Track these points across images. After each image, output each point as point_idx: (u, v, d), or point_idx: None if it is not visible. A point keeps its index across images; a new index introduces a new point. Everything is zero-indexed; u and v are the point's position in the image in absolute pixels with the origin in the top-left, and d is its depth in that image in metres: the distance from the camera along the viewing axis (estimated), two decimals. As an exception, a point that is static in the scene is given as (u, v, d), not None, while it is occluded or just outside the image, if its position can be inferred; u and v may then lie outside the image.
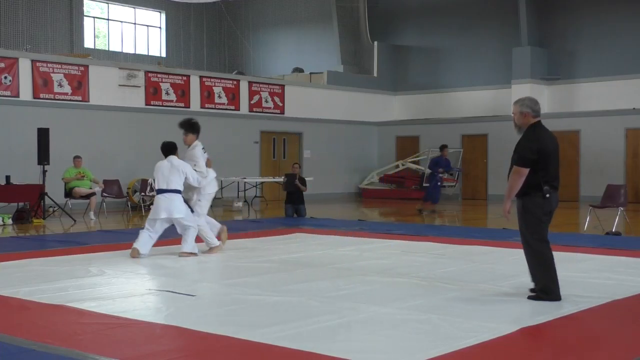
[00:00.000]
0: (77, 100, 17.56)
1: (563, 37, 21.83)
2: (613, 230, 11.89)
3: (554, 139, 6.21)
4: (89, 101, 17.77)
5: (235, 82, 20.94)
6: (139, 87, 18.70)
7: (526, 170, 5.96)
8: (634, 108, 20.05)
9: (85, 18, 24.48)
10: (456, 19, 23.65)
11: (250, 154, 21.12)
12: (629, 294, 6.49)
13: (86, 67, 17.82)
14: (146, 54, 26.00)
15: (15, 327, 5.23)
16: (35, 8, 22.65)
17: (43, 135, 14.80)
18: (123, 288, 6.92)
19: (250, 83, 21.31)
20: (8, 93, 16.44)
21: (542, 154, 5.99)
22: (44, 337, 4.91)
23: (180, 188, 9.09)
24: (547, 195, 6.01)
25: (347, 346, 4.70)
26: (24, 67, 16.76)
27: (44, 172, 14.68)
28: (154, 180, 9.36)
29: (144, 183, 17.25)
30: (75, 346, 4.68)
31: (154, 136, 18.96)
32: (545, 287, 6.13)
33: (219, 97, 20.44)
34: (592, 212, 13.02)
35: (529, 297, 6.21)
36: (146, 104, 18.89)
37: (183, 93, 19.64)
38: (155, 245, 10.38)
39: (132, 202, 17.48)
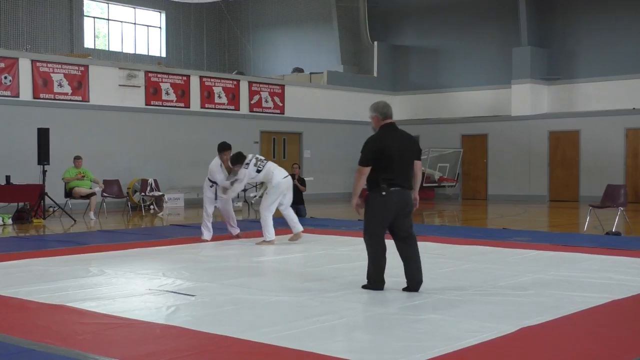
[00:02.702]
0: (77, 100, 17.56)
1: (563, 37, 21.83)
2: (613, 230, 11.89)
3: (403, 139, 6.52)
4: (89, 101, 17.76)
5: (235, 82, 20.94)
6: (139, 87, 18.69)
7: (366, 169, 6.36)
8: (634, 108, 20.05)
9: (85, 18, 24.46)
10: (456, 19, 23.64)
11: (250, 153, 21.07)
12: (629, 294, 6.48)
13: (86, 67, 17.82)
14: (146, 54, 25.98)
15: (15, 327, 5.22)
16: (35, 8, 22.61)
17: (43, 135, 14.80)
18: (123, 288, 6.92)
19: (250, 83, 21.31)
20: (8, 93, 16.44)
21: (382, 153, 6.35)
22: (44, 337, 4.91)
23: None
24: (384, 193, 6.32)
25: (347, 346, 4.70)
26: (24, 67, 16.76)
27: (44, 172, 14.68)
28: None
29: (144, 183, 17.24)
30: (75, 346, 4.68)
31: (154, 136, 19.01)
32: (369, 276, 6.57)
33: (219, 97, 20.44)
34: (592, 212, 13.02)
35: (362, 286, 6.59)
36: (146, 104, 18.88)
37: (183, 93, 19.63)
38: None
39: (132, 202, 17.47)
